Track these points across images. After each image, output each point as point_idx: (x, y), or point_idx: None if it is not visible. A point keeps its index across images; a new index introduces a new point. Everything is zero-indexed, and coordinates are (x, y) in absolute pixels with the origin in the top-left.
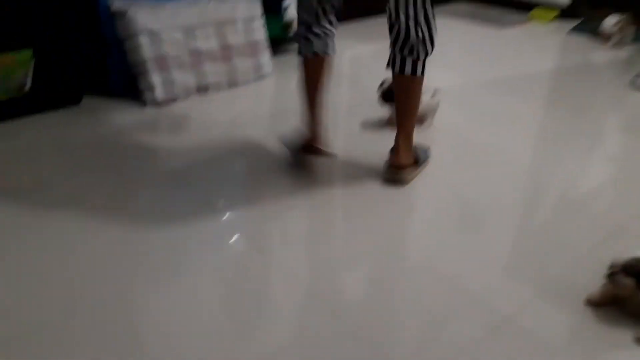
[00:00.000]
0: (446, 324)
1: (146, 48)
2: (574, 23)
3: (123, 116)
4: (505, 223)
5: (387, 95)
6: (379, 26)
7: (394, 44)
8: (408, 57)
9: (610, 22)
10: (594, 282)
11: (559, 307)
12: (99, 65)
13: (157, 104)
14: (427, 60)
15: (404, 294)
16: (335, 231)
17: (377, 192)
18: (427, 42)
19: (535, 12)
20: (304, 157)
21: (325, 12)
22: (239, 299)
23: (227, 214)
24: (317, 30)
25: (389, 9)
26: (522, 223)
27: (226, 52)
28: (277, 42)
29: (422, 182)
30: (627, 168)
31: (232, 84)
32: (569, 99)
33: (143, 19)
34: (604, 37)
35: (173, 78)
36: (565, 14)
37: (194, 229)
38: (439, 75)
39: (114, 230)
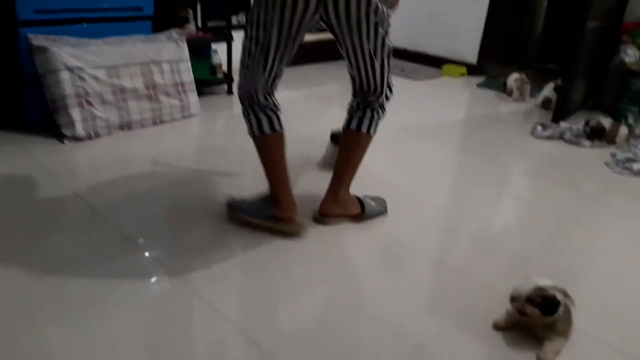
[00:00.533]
0: (364, 356)
1: (67, 84)
2: (480, 79)
3: (39, 152)
4: (423, 259)
5: (336, 137)
6: (304, 74)
7: (354, 98)
8: (366, 114)
9: (512, 78)
10: (501, 309)
11: (470, 334)
12: (16, 100)
13: (76, 139)
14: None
15: (329, 328)
16: (261, 270)
17: (303, 234)
18: (385, 103)
19: (446, 67)
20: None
21: (274, 83)
22: (161, 341)
23: (148, 254)
24: (269, 104)
25: (352, 67)
26: (439, 260)
27: (152, 91)
28: (205, 84)
29: (347, 224)
30: (531, 207)
31: (158, 122)
32: (478, 145)
33: (65, 55)
34: (508, 92)
35: (94, 114)
36: (472, 70)
37: (112, 270)
38: None
39: (25, 273)
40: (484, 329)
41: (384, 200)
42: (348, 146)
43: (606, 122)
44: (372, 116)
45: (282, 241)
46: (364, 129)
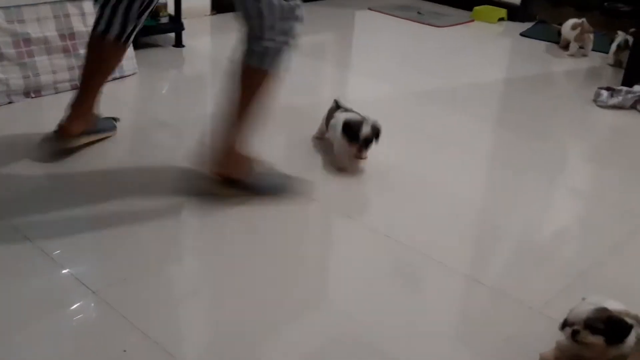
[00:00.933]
0: None
1: None
2: (526, 25)
3: None
4: (449, 276)
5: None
6: None
7: (241, 26)
8: (262, 43)
9: (569, 25)
10: (552, 339)
11: None
12: None
13: None
14: (287, 51)
15: None
16: (210, 279)
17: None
18: (290, 26)
19: (479, 9)
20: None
21: None
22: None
23: (62, 268)
24: (121, 7)
25: None
26: (469, 275)
27: (69, 42)
28: (144, 32)
29: (342, 224)
30: (593, 203)
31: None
32: (523, 117)
33: None
34: (563, 43)
35: None
36: (515, 14)
37: (13, 288)
38: (362, 86)
39: None
40: None
41: (290, 179)
42: (241, 85)
43: None
44: (278, 47)
45: (236, 245)
46: (259, 62)
